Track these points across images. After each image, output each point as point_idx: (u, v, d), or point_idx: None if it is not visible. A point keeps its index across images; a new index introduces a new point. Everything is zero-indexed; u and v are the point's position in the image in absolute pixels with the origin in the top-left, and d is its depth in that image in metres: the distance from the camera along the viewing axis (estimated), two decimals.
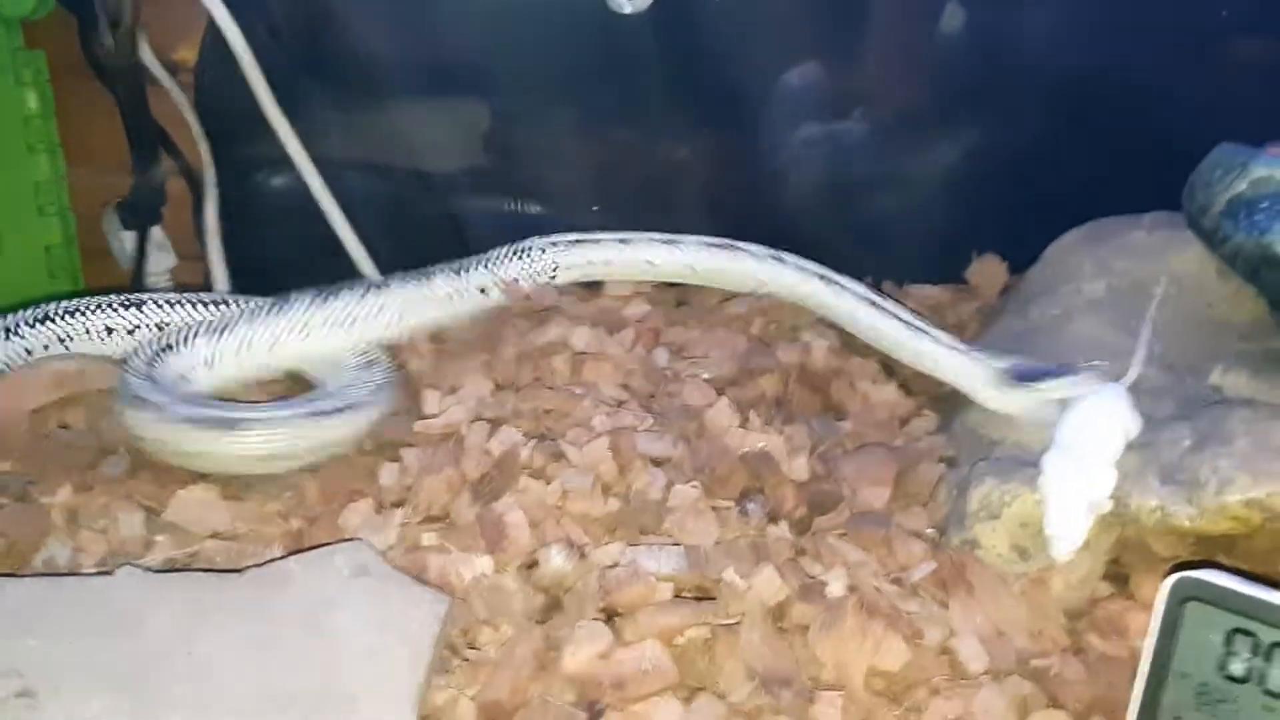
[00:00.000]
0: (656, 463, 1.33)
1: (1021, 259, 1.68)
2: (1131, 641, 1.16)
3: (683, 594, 1.18)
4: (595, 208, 1.85)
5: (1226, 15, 1.68)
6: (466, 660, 1.12)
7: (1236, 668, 0.95)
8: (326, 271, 1.78)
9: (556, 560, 1.19)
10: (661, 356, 1.58)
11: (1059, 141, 1.73)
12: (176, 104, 1.95)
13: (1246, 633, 0.95)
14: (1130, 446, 1.21)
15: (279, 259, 1.85)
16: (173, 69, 1.93)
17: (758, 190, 1.89)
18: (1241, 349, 1.33)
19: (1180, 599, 0.98)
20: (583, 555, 1.19)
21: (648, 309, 1.70)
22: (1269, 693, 0.94)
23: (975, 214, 1.80)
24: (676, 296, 1.79)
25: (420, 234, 1.88)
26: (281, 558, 1.21)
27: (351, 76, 1.83)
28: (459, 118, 1.90)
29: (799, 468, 1.38)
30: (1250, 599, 0.95)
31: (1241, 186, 1.32)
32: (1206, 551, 1.22)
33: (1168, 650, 0.98)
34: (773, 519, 1.29)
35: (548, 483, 1.27)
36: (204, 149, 1.90)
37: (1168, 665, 0.98)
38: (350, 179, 1.89)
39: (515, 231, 1.72)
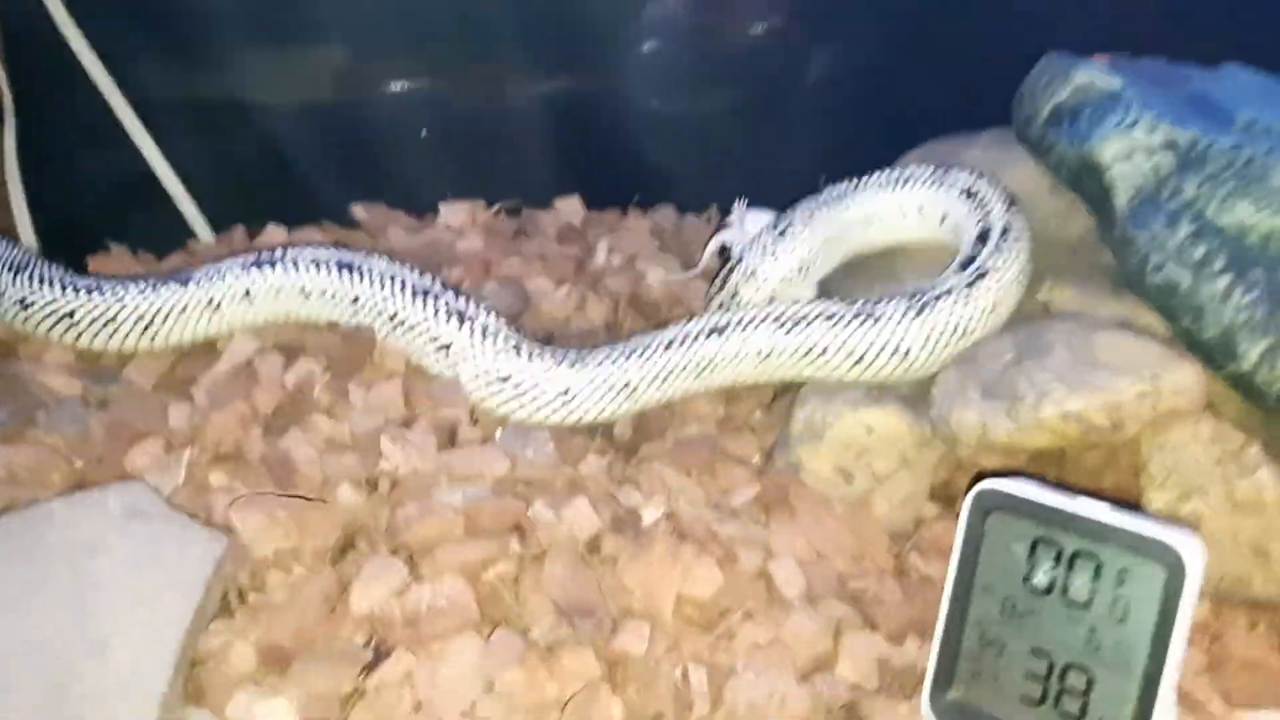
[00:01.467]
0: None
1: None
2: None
3: (490, 530, 1.11)
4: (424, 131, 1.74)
5: None
6: (246, 604, 1.04)
7: (1040, 579, 0.92)
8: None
9: (346, 497, 1.11)
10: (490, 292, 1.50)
11: (893, 61, 1.68)
12: None
13: (1050, 542, 0.92)
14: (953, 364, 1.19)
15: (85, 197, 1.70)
16: None
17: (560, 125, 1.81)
18: (1069, 264, 1.30)
19: (983, 510, 0.94)
20: (373, 489, 1.12)
21: (480, 244, 1.62)
22: (1072, 603, 0.90)
23: (823, 138, 1.75)
24: (515, 227, 1.71)
25: (245, 173, 1.75)
26: (50, 500, 1.11)
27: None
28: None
29: None
30: (1052, 509, 0.91)
31: (1064, 94, 1.29)
32: (1037, 468, 1.19)
33: (972, 564, 0.95)
34: (599, 451, 1.24)
35: (339, 420, 1.19)
36: None
37: (973, 579, 0.95)
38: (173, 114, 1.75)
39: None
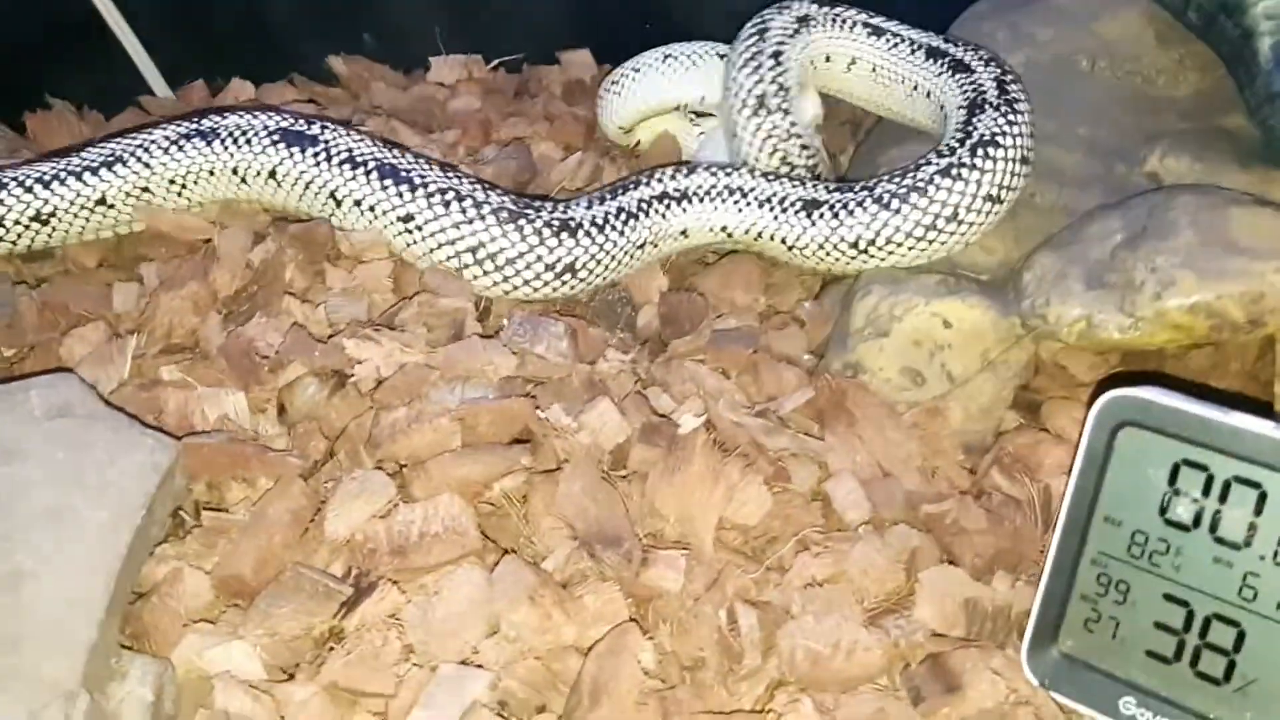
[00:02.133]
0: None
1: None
2: (1044, 481, 0.95)
3: (493, 438, 0.92)
4: None
5: None
6: (201, 525, 0.86)
7: (1182, 511, 0.74)
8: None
9: (310, 392, 0.92)
10: (490, 157, 1.29)
11: None
12: None
13: (1197, 466, 0.73)
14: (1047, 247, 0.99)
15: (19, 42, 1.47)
16: None
17: None
18: (1184, 128, 1.09)
19: (1113, 425, 0.75)
20: (345, 387, 0.93)
21: (477, 103, 1.40)
22: (1222, 540, 0.72)
23: None
24: (516, 85, 1.49)
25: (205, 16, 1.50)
26: None
27: None
28: None
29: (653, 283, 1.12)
30: (1203, 424, 0.73)
31: None
32: (1135, 360, 1.01)
33: (1093, 489, 0.76)
34: (621, 347, 1.04)
35: (314, 305, 0.99)
36: None
37: (1093, 508, 0.76)
38: None
39: None
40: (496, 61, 1.52)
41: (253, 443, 0.91)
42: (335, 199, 1.09)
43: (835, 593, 0.85)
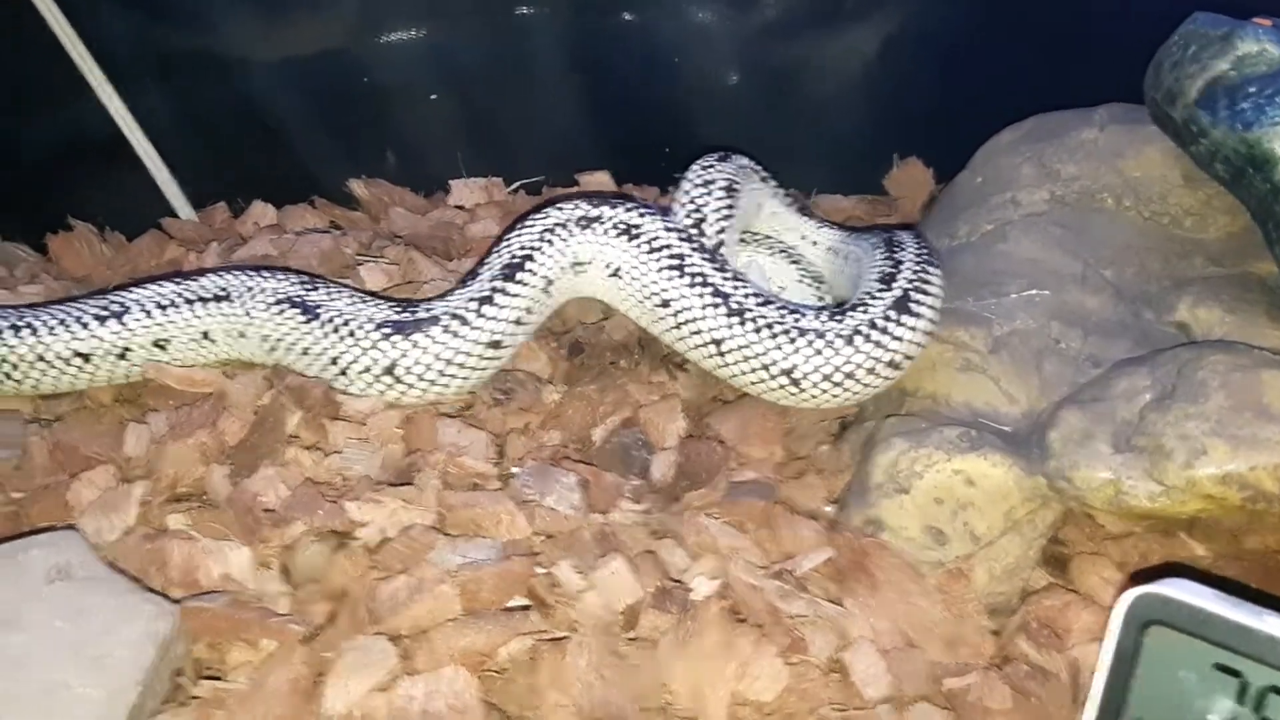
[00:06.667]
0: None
1: (950, 164, 1.38)
2: (1072, 650, 0.91)
3: (496, 601, 0.90)
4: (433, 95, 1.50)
5: None
6: (197, 698, 0.84)
7: (1215, 717, 0.70)
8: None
9: (312, 553, 0.90)
10: None
11: (993, 21, 1.41)
12: None
13: (1230, 671, 0.70)
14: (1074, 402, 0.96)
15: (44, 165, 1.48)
16: None
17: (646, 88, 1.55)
18: (1213, 274, 1.07)
19: (1140, 622, 0.72)
20: (348, 547, 0.91)
21: (496, 227, 1.39)
22: None
23: (894, 111, 1.50)
24: (535, 207, 1.48)
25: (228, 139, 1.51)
26: None
27: None
28: None
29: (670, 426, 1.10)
30: (1235, 625, 0.69)
31: (1222, 66, 1.03)
32: (1164, 524, 0.97)
33: (1122, 690, 0.72)
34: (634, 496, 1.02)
35: (324, 454, 0.98)
36: None
37: (1121, 710, 0.73)
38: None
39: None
40: (517, 184, 1.52)
41: (255, 607, 0.89)
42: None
43: None
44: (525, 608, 0.89)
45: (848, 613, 0.93)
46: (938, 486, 0.96)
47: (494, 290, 1.11)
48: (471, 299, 1.10)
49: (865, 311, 1.06)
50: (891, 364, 1.05)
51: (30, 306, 1.17)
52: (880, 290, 1.08)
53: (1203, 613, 0.70)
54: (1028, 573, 0.98)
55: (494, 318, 1.10)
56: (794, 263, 1.26)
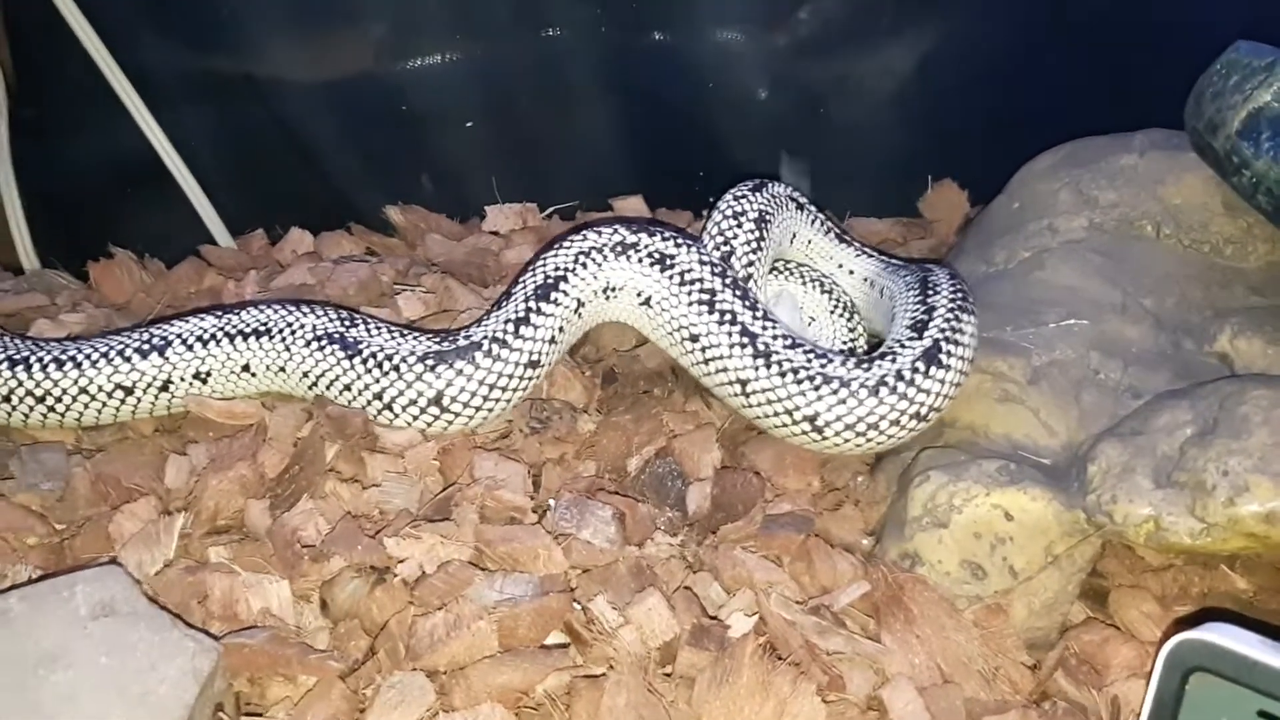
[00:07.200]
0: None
1: (985, 186, 1.37)
2: (1111, 686, 0.90)
3: (534, 638, 0.90)
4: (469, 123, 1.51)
5: None
6: None
7: None
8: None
9: (351, 589, 0.91)
10: None
11: (1031, 43, 1.40)
12: None
13: (1274, 719, 0.69)
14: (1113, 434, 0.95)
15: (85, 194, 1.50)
16: None
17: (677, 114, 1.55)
18: (1254, 304, 1.06)
19: (1184, 670, 0.71)
20: (387, 582, 0.92)
21: (531, 253, 1.40)
22: None
23: (929, 132, 1.50)
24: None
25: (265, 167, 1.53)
26: (12, 587, 0.93)
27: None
28: None
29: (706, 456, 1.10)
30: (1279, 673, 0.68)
31: (1265, 97, 1.02)
32: (1205, 557, 0.96)
33: None
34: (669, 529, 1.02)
35: (363, 487, 0.99)
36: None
37: None
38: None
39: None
40: (551, 210, 1.52)
41: (294, 643, 0.90)
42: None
43: None
44: (563, 645, 0.90)
45: (885, 649, 0.92)
46: (976, 521, 0.96)
47: (529, 311, 1.12)
48: (508, 320, 1.11)
49: (894, 361, 1.05)
50: (917, 415, 1.04)
51: (73, 339, 1.19)
52: (910, 339, 1.07)
53: (1247, 660, 0.69)
54: (1067, 607, 0.98)
55: (530, 338, 1.11)
56: (827, 293, 1.25)
